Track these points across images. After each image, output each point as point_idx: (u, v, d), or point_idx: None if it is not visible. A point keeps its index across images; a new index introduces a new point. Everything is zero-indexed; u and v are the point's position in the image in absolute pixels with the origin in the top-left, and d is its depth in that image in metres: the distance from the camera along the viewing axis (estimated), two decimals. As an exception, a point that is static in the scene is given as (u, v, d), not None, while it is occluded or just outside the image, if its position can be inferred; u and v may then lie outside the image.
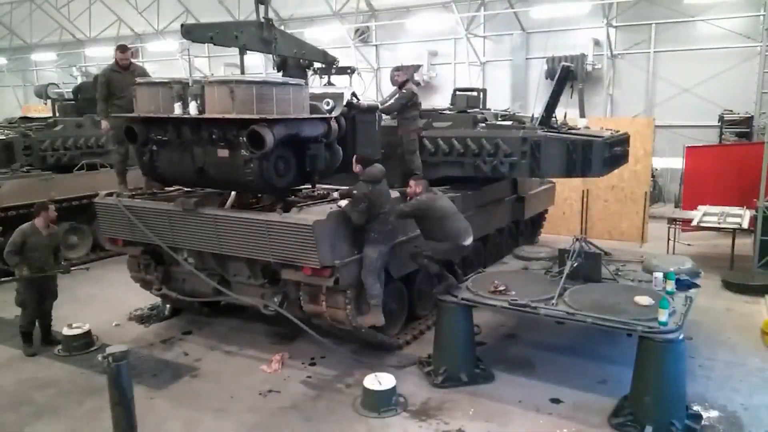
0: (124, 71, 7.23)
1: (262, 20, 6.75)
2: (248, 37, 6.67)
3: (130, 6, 23.61)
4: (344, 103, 6.29)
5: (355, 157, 6.00)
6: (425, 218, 5.98)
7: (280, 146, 5.50)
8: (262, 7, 6.71)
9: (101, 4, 24.56)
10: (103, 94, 7.21)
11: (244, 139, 5.37)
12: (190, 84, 5.74)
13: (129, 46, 7.61)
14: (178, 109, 5.72)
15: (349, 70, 8.32)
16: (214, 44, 6.72)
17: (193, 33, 6.39)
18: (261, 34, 6.78)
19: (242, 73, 6.98)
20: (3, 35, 28.90)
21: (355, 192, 5.74)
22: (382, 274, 5.94)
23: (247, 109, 5.35)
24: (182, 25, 6.37)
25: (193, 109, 5.63)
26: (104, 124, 7.33)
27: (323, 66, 7.90)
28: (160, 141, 6.11)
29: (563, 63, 7.87)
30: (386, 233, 5.82)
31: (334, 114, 6.13)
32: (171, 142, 6.02)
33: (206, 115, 5.58)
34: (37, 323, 6.81)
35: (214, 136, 5.69)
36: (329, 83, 7.80)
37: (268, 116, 5.32)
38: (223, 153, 5.70)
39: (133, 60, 7.60)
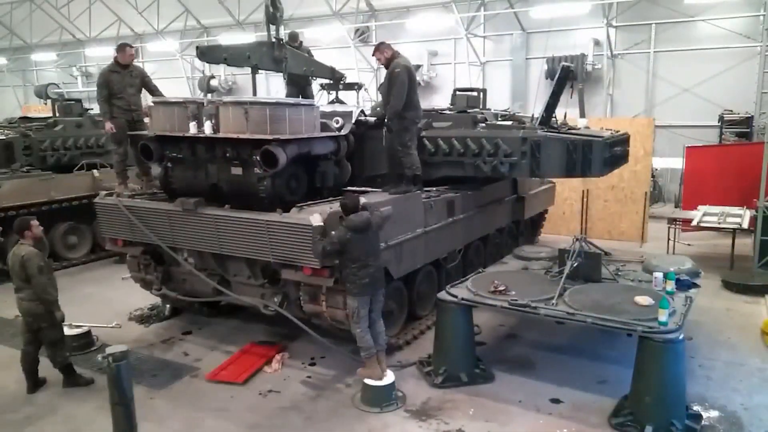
0: (123, 70, 7.20)
1: (273, 40, 7.05)
2: (260, 57, 6.99)
3: (130, 6, 23.61)
4: (353, 121, 6.43)
5: (339, 203, 5.59)
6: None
7: (292, 164, 5.68)
8: (272, 28, 7.01)
9: (101, 4, 24.57)
10: (104, 95, 7.15)
11: (258, 158, 5.57)
12: (205, 104, 5.91)
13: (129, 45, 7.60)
14: (193, 128, 5.91)
15: (356, 86, 8.44)
16: (228, 65, 7.05)
17: (207, 54, 6.73)
18: (272, 54, 7.14)
19: (254, 92, 7.29)
20: (3, 35, 28.91)
21: (333, 231, 5.29)
22: (369, 321, 5.55)
23: (261, 130, 5.53)
24: (197, 47, 6.69)
25: (207, 128, 5.81)
26: (108, 125, 7.22)
27: (331, 82, 8.01)
28: (174, 158, 6.33)
29: (563, 63, 7.88)
30: (363, 285, 5.35)
31: (343, 132, 6.32)
32: (186, 159, 6.25)
33: (221, 135, 5.76)
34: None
35: (228, 154, 5.92)
36: (337, 98, 7.92)
37: (281, 136, 5.50)
38: (237, 170, 5.93)
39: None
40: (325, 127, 6.30)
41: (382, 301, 5.67)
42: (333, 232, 5.27)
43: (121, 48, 7.24)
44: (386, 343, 5.80)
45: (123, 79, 7.16)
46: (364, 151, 6.71)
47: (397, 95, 6.32)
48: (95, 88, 7.43)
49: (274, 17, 7.01)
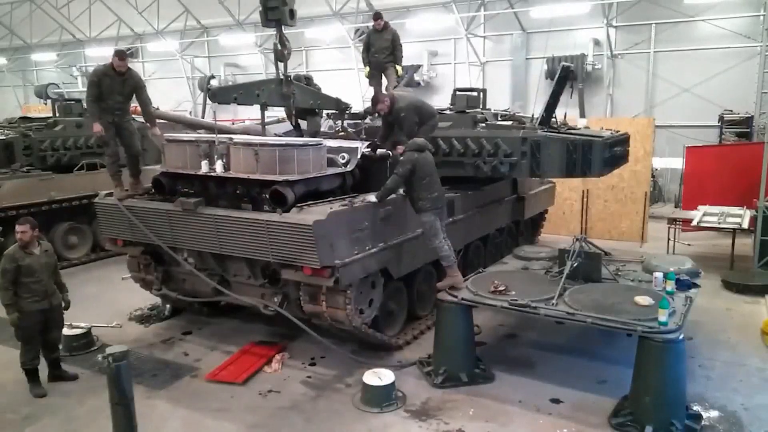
0: (118, 76, 6.91)
1: (282, 77, 7.27)
2: (269, 94, 7.26)
3: (130, 6, 23.62)
4: (359, 156, 6.48)
5: (396, 148, 6.42)
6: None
7: (300, 200, 5.81)
8: (280, 65, 7.30)
9: (101, 4, 24.57)
10: (94, 95, 6.83)
11: (267, 196, 5.72)
12: (217, 143, 6.11)
13: (126, 49, 7.41)
14: (204, 167, 6.10)
15: (361, 116, 8.59)
16: (238, 104, 7.31)
17: (219, 95, 7.07)
18: (280, 90, 7.32)
19: (263, 129, 7.52)
20: (3, 35, 28.93)
21: (402, 157, 6.05)
22: (445, 235, 6.19)
23: (270, 170, 5.70)
24: (209, 89, 6.99)
25: (219, 167, 6.01)
26: (97, 126, 6.88)
27: (336, 112, 8.14)
28: (186, 193, 6.49)
29: (563, 63, 7.87)
30: (434, 199, 6.07)
31: (349, 167, 6.38)
32: (197, 194, 6.38)
33: (232, 174, 5.93)
34: (42, 357, 5.89)
35: (238, 192, 6.09)
36: (342, 128, 8.10)
37: (289, 177, 5.66)
38: (247, 207, 6.06)
39: (129, 65, 7.41)
40: (331, 162, 6.43)
41: (445, 220, 6.36)
42: (400, 160, 5.99)
43: (116, 55, 6.89)
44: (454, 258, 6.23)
45: (113, 85, 6.87)
46: (369, 183, 6.83)
47: (409, 130, 6.75)
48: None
49: (281, 54, 7.25)
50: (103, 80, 6.83)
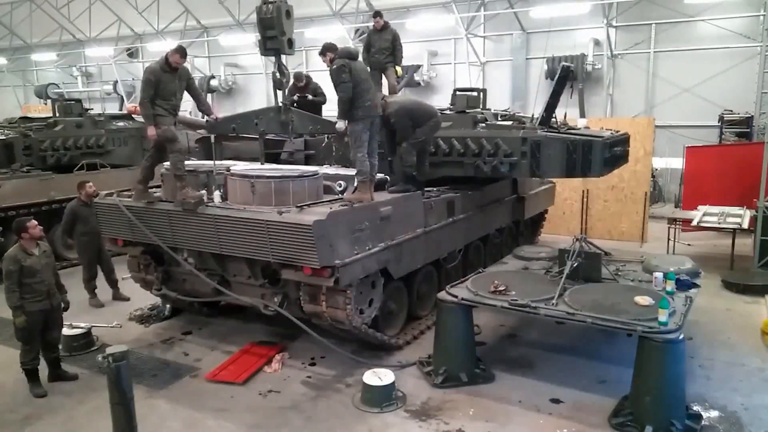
0: (173, 72, 6.39)
1: (281, 105, 7.36)
2: (267, 122, 7.37)
3: (130, 6, 23.60)
4: (356, 183, 6.48)
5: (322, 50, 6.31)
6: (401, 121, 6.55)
7: None
8: (279, 93, 7.41)
9: (101, 4, 24.55)
10: (151, 95, 6.21)
11: None
12: (214, 173, 6.23)
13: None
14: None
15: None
16: (237, 134, 7.45)
17: (218, 127, 7.27)
18: (279, 118, 7.38)
19: (262, 159, 7.52)
20: (3, 35, 28.91)
21: (334, 67, 6.02)
22: (370, 152, 6.24)
23: (266, 201, 5.80)
24: (207, 122, 7.07)
25: (216, 197, 6.10)
26: (151, 130, 6.23)
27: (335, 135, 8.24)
28: None
29: (563, 63, 7.87)
30: (367, 108, 6.13)
31: (346, 196, 6.35)
32: None
33: (228, 205, 6.00)
34: (42, 358, 5.86)
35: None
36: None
37: (284, 209, 5.64)
38: None
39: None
40: (328, 190, 6.44)
41: (376, 139, 6.36)
42: (333, 69, 6.03)
43: (177, 52, 6.31)
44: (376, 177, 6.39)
45: (172, 81, 6.34)
46: None
47: (402, 134, 6.83)
48: (96, 88, 7.23)
49: (280, 83, 7.32)
50: (162, 78, 6.28)
